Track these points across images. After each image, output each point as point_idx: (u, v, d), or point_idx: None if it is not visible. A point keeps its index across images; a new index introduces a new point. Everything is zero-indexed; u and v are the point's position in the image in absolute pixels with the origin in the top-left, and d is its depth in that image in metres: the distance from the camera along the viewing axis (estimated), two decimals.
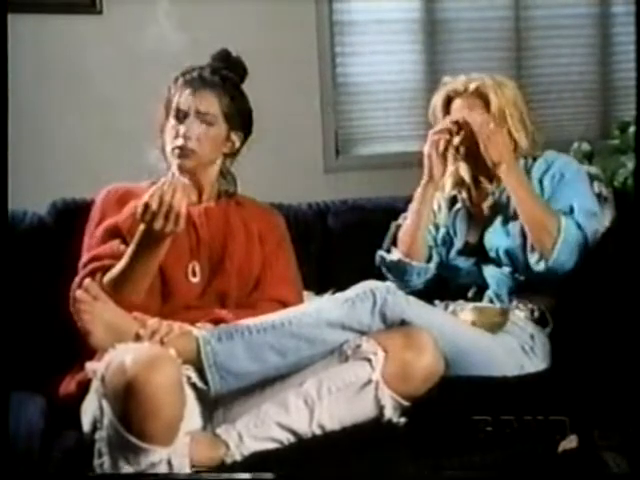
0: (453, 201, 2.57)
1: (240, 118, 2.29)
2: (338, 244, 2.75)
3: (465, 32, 3.88)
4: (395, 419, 2.04)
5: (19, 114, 2.53)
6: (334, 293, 2.23)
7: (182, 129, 2.21)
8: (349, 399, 2.03)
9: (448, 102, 2.50)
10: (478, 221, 2.52)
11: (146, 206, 1.99)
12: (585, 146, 3.41)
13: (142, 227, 2.02)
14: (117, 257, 2.11)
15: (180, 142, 2.21)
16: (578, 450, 2.00)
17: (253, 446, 1.97)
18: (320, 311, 2.10)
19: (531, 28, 3.96)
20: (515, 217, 2.41)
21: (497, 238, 2.44)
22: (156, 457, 1.82)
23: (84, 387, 2.00)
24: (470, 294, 2.48)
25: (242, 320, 2.09)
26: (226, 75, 2.27)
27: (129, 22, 3.26)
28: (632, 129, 3.36)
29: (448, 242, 2.54)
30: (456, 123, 2.43)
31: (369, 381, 2.03)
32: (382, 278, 2.43)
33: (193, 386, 2.00)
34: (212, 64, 2.29)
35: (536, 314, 2.37)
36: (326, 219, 2.79)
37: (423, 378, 2.05)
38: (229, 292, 2.23)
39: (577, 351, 2.26)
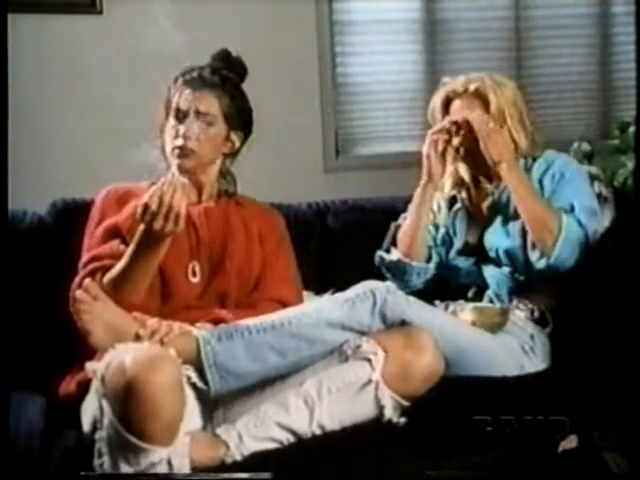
0: (453, 201, 2.57)
1: (240, 118, 2.29)
2: (338, 244, 2.74)
3: (465, 32, 3.88)
4: (395, 419, 2.04)
5: (19, 114, 2.53)
6: (334, 293, 2.23)
7: (182, 129, 2.21)
8: (349, 399, 2.03)
9: (447, 103, 2.49)
10: (478, 221, 2.52)
11: (146, 206, 1.99)
12: (585, 146, 3.41)
13: (142, 227, 2.02)
14: (117, 257, 2.11)
15: (180, 142, 2.21)
16: (578, 450, 2.00)
17: (253, 446, 1.97)
18: (320, 311, 2.10)
19: (531, 28, 3.96)
20: (515, 217, 2.41)
21: (497, 238, 2.44)
22: (156, 457, 1.82)
23: (84, 387, 2.00)
24: (470, 294, 2.48)
25: (242, 320, 2.09)
26: (226, 75, 2.27)
27: (129, 22, 3.27)
28: (632, 129, 3.36)
29: (448, 242, 2.54)
30: (455, 123, 2.43)
31: (369, 381, 2.03)
32: (382, 278, 2.42)
33: (193, 386, 2.00)
34: (212, 64, 2.29)
35: (536, 314, 2.37)
36: (326, 219, 2.79)
37: (423, 378, 2.05)
38: (229, 292, 2.23)
39: (577, 351, 2.26)
